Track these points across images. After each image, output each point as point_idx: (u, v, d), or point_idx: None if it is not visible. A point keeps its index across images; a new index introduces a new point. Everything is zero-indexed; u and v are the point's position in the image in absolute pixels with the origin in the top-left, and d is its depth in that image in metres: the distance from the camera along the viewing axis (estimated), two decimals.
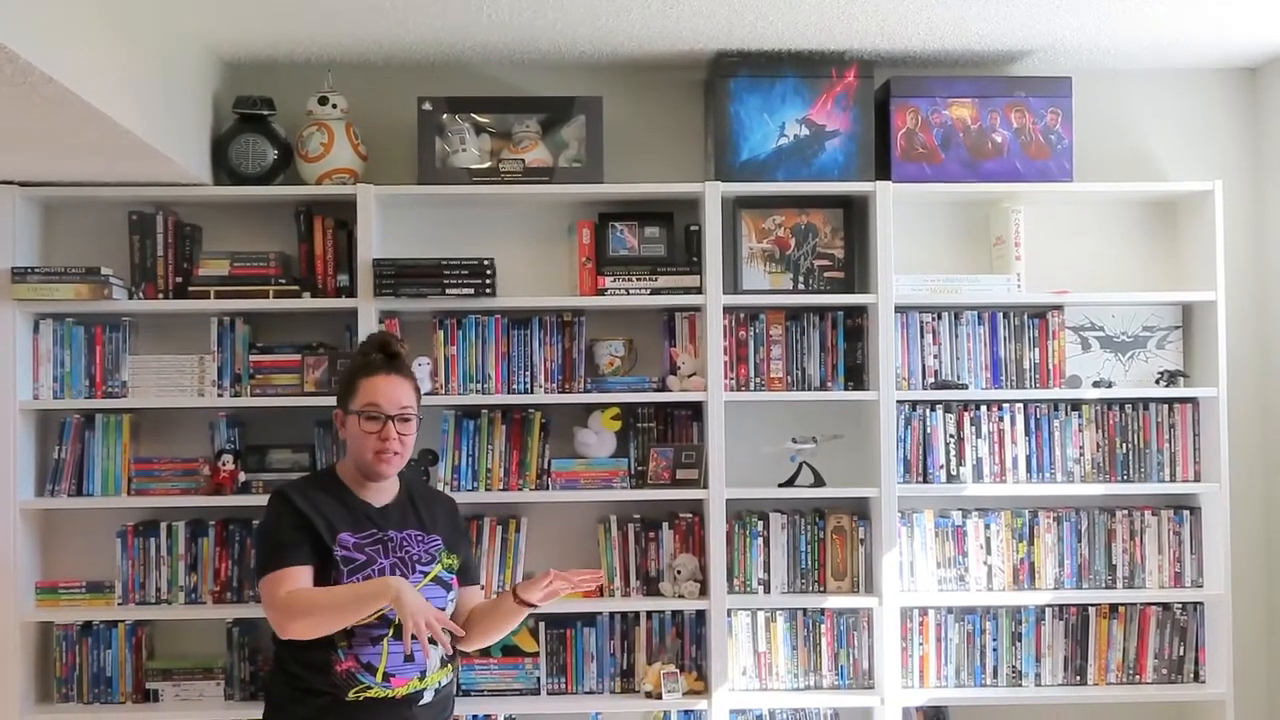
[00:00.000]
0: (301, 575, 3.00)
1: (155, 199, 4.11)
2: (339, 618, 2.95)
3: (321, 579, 3.02)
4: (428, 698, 3.07)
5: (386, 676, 3.01)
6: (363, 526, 3.09)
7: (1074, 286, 4.27)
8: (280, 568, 2.99)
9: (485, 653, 4.14)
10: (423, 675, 3.06)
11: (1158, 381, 4.29)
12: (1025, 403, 4.25)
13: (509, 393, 4.14)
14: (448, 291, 4.05)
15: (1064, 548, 4.26)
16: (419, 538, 3.15)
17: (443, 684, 3.13)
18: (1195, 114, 4.47)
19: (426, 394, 4.09)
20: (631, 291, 4.14)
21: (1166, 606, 4.27)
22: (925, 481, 4.22)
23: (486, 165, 4.15)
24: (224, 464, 4.04)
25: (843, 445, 4.27)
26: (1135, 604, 4.26)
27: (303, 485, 3.17)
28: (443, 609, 3.09)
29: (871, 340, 4.17)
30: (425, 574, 3.12)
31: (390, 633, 3.00)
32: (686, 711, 4.14)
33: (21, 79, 2.74)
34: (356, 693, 2.98)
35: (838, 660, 4.23)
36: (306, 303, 4.11)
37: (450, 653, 3.11)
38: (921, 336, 4.24)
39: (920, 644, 4.23)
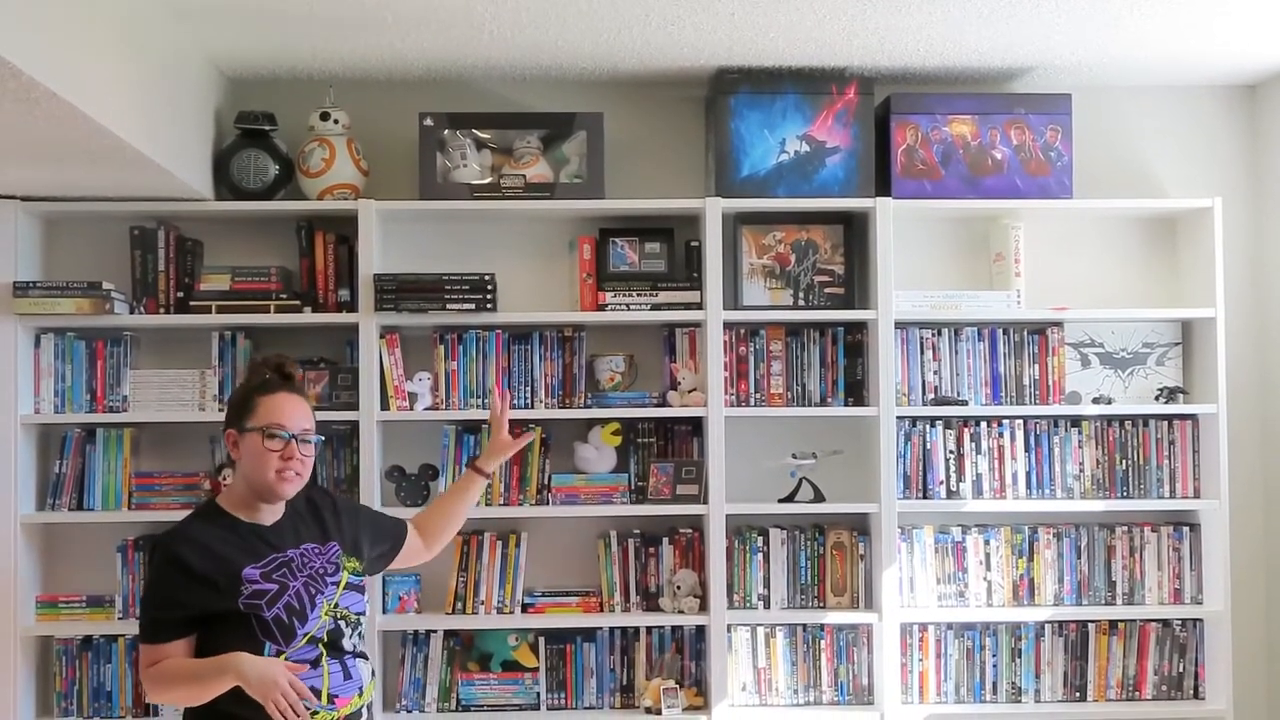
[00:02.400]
0: (174, 650, 2.85)
1: (157, 214, 4.12)
2: (194, 697, 2.85)
3: (236, 626, 2.85)
4: (364, 716, 3.02)
5: (331, 698, 2.90)
6: (262, 554, 2.92)
7: (1074, 303, 4.28)
8: (154, 643, 2.86)
9: (485, 668, 4.15)
10: (360, 692, 2.99)
11: (1157, 398, 4.29)
12: (1025, 419, 4.26)
13: (509, 407, 4.14)
14: (448, 306, 4.06)
15: (1064, 564, 4.26)
16: (317, 550, 3.01)
17: (371, 699, 3.07)
18: (1195, 131, 4.48)
19: (427, 409, 4.11)
20: (632, 307, 4.15)
21: (1166, 623, 4.27)
22: (925, 497, 4.22)
23: (487, 181, 4.16)
24: (225, 479, 4.04)
25: (843, 461, 4.27)
26: (1135, 620, 4.26)
27: (190, 532, 2.95)
28: (361, 612, 3.03)
29: (871, 356, 4.18)
30: (336, 584, 2.99)
31: (323, 653, 2.91)
32: None
33: (25, 94, 2.75)
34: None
35: (837, 676, 4.23)
36: (308, 317, 4.12)
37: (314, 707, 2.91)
38: (921, 352, 4.25)
39: (920, 660, 4.23)
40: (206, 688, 2.82)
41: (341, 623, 2.96)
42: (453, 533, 3.52)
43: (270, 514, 3.00)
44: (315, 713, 2.87)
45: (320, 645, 2.91)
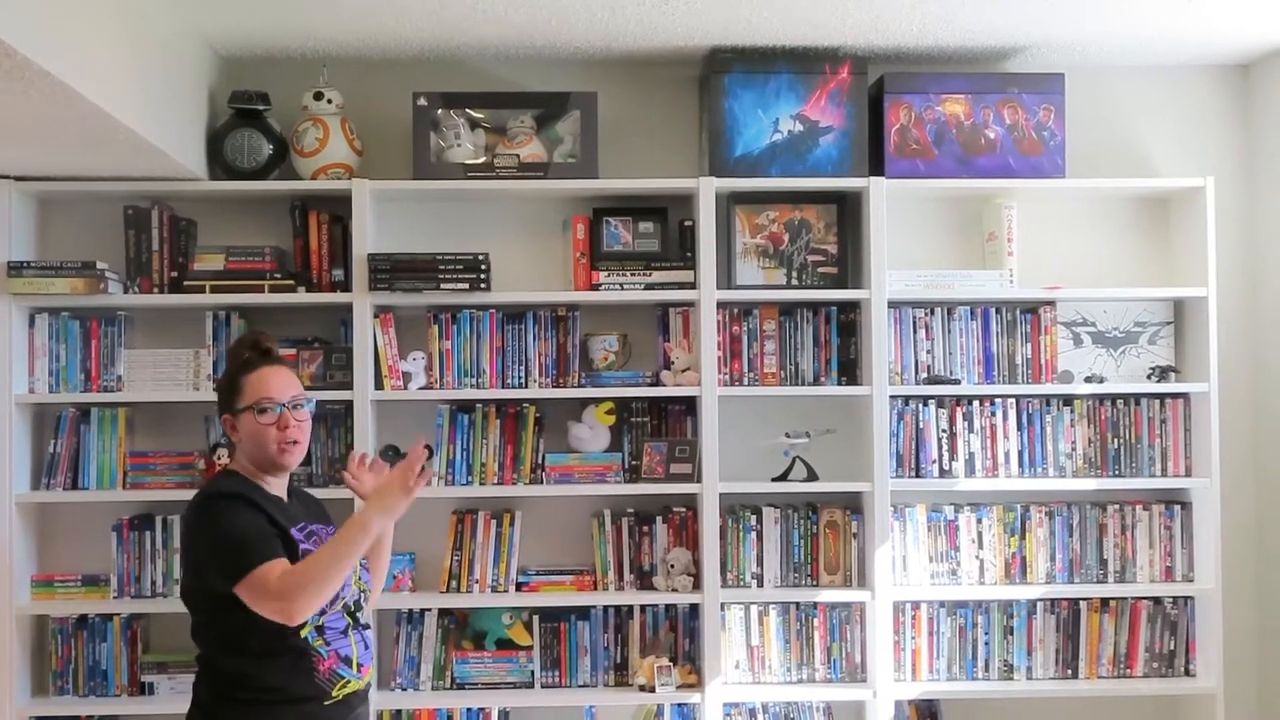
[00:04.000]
0: (283, 564, 2.78)
1: (151, 193, 4.12)
2: (344, 568, 2.77)
3: None
4: (372, 684, 3.07)
5: (359, 666, 2.94)
6: (296, 519, 2.96)
7: (1066, 282, 4.29)
8: (262, 562, 2.75)
9: (479, 647, 4.17)
10: (373, 662, 3.04)
11: (1149, 377, 4.31)
12: (1017, 398, 4.27)
13: (503, 387, 4.15)
14: (442, 286, 4.06)
15: (1055, 542, 4.28)
16: (325, 530, 3.03)
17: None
18: (1187, 110, 4.49)
19: (421, 388, 4.11)
20: (626, 286, 4.16)
21: (1157, 601, 4.29)
22: (918, 476, 4.24)
23: (481, 160, 4.16)
24: (219, 458, 4.05)
25: (836, 440, 4.28)
26: (1126, 598, 4.28)
27: (238, 487, 2.91)
28: (367, 588, 3.06)
29: (864, 335, 4.19)
30: None
31: (350, 622, 2.94)
32: (680, 705, 4.17)
33: (19, 74, 2.75)
34: (339, 689, 2.89)
35: (830, 654, 4.25)
36: (301, 297, 4.12)
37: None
38: (914, 332, 4.26)
39: (912, 638, 4.25)
40: (356, 550, 2.79)
41: (361, 595, 3.01)
42: (383, 575, 3.31)
43: (279, 487, 3.02)
44: (347, 682, 2.91)
45: (347, 615, 2.94)
